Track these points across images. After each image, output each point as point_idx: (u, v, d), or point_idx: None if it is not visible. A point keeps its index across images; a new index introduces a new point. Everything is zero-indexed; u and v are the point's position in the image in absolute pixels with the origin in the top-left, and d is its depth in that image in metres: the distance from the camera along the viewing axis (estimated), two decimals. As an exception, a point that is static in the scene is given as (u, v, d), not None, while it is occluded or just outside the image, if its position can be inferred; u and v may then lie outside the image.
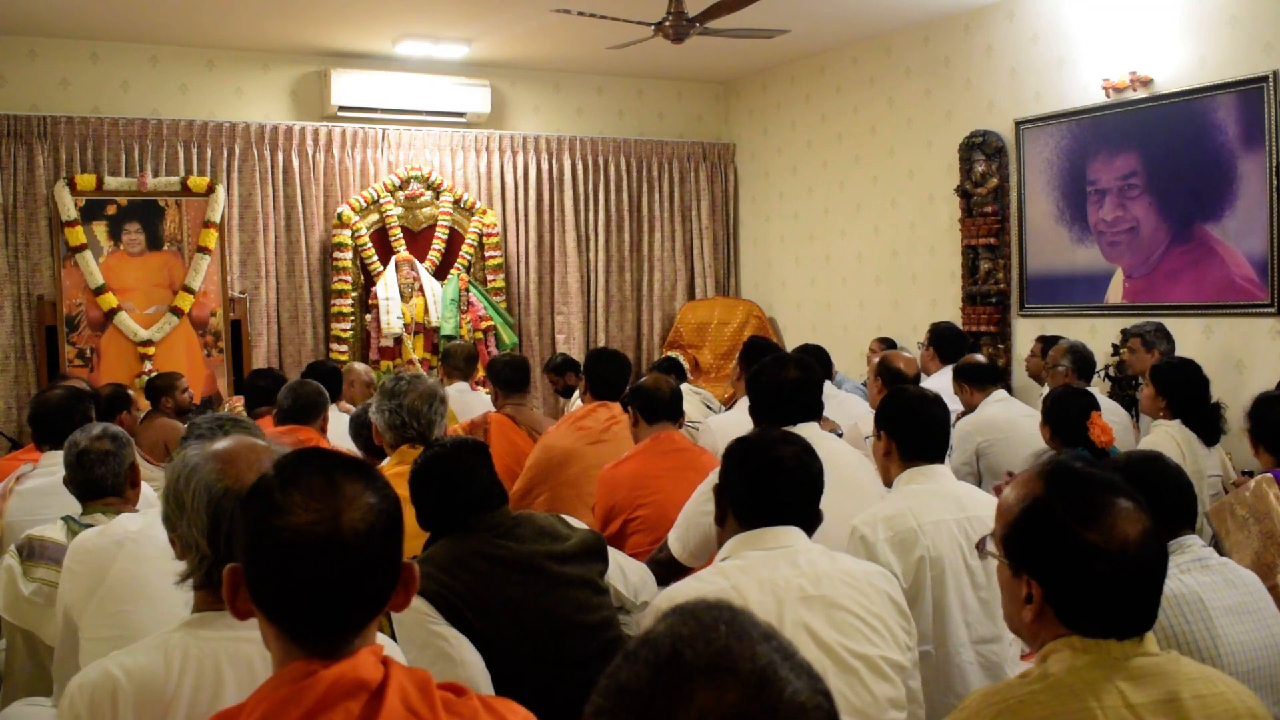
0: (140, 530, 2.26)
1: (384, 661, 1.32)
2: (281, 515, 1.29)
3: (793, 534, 2.14)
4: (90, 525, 2.58)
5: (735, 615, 0.87)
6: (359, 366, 6.51)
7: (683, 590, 2.06)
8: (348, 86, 7.37)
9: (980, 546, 1.68)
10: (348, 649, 1.31)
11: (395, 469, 3.19)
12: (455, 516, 2.44)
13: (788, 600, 2.02)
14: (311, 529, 1.28)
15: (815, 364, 3.45)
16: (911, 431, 2.71)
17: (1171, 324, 5.31)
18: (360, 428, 4.01)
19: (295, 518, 1.28)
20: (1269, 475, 3.06)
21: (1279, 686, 2.11)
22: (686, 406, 3.98)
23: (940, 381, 5.05)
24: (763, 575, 2.05)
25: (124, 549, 2.21)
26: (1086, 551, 1.49)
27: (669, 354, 7.63)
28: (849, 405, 4.75)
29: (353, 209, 7.45)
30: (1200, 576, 2.17)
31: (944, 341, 5.76)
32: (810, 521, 2.19)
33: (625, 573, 2.71)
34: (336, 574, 1.29)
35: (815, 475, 2.20)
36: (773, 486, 2.16)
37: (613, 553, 2.68)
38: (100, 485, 2.74)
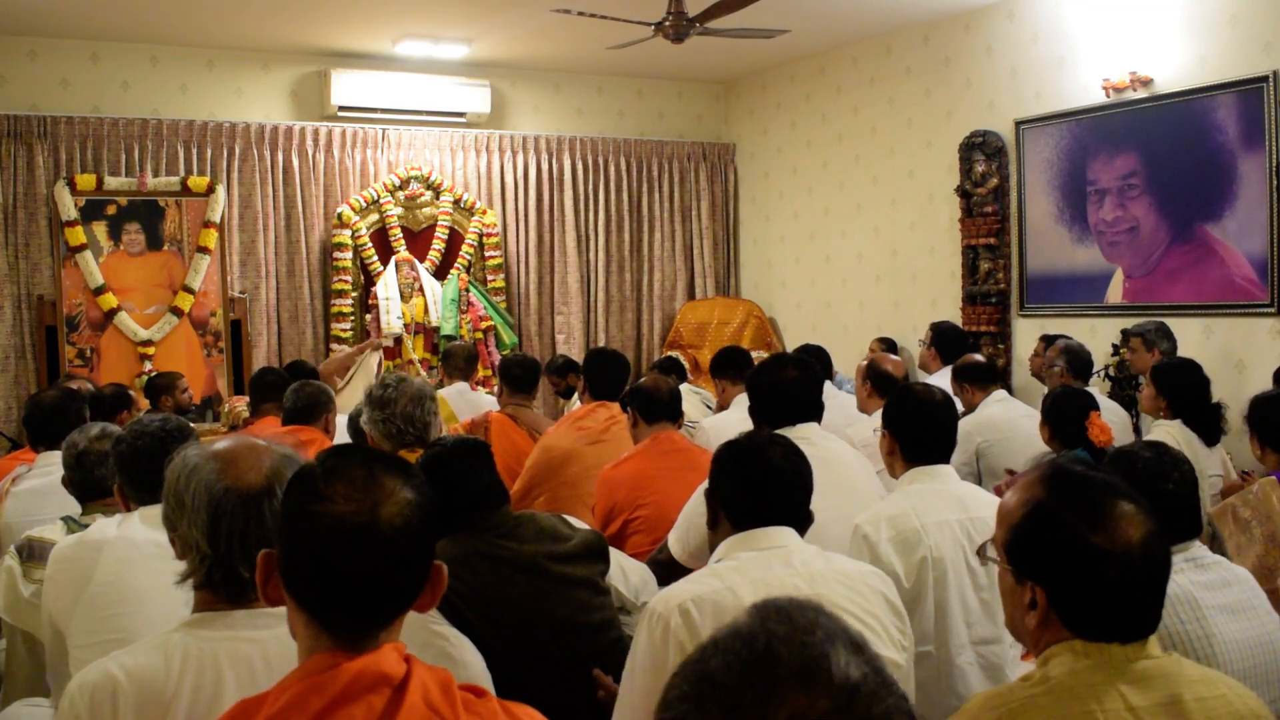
0: (119, 533, 2.23)
1: (407, 658, 1.34)
2: (322, 503, 1.33)
3: (785, 534, 2.14)
4: (86, 525, 2.57)
5: (831, 621, 0.87)
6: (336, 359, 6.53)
7: (677, 592, 2.05)
8: (348, 86, 7.37)
9: (981, 552, 1.67)
10: (373, 643, 1.33)
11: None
12: (456, 516, 2.44)
13: None
14: (350, 518, 1.32)
15: (814, 363, 3.45)
16: (915, 431, 2.70)
17: (1171, 324, 5.31)
18: (358, 430, 3.98)
19: (336, 506, 1.32)
20: (1272, 478, 3.05)
21: (1274, 684, 2.10)
22: (686, 406, 3.98)
23: (939, 382, 5.04)
24: (757, 575, 2.04)
25: (105, 553, 2.19)
26: (1092, 555, 1.48)
27: (669, 354, 7.62)
28: (849, 405, 4.74)
29: (353, 209, 7.45)
30: (1194, 575, 2.17)
31: (946, 341, 5.76)
32: (801, 522, 2.19)
33: (626, 574, 2.71)
34: (371, 564, 1.32)
35: (805, 476, 2.21)
36: (763, 488, 2.16)
37: (614, 553, 2.68)
38: (100, 485, 2.73)
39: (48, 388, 4.20)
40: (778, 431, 2.69)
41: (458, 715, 1.32)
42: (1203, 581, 2.16)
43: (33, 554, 2.64)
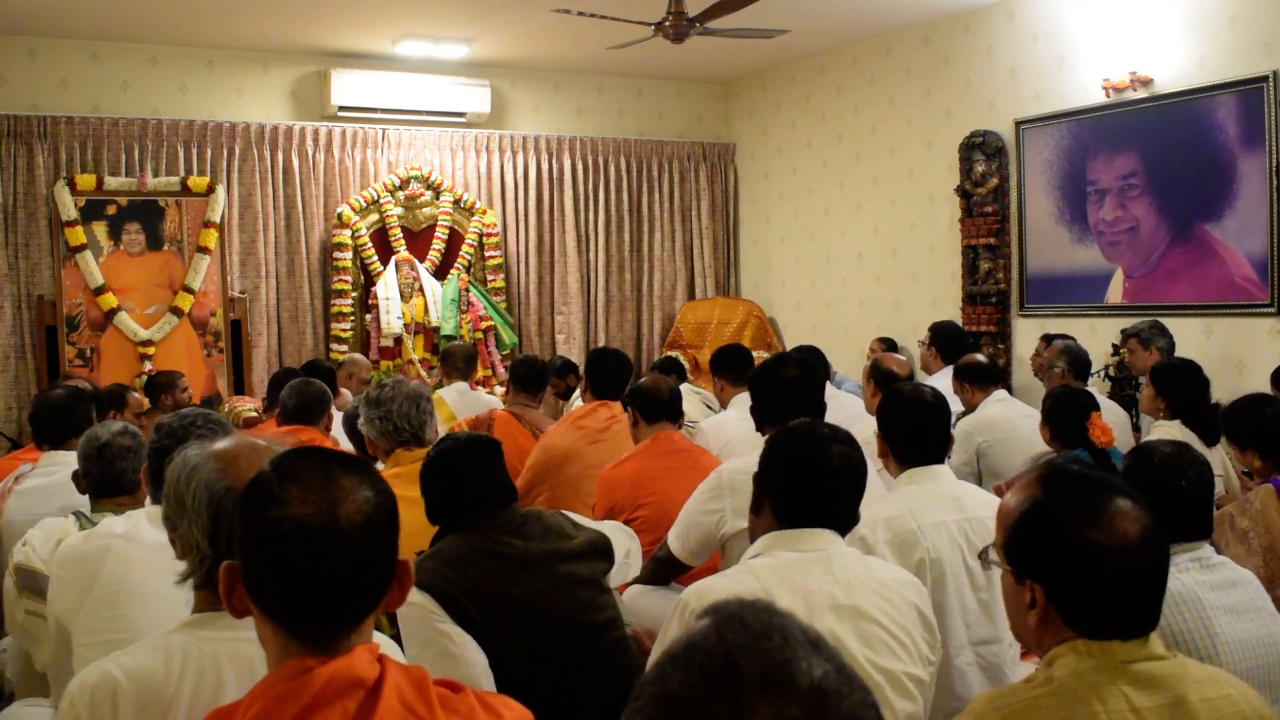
0: (126, 532, 2.23)
1: (380, 659, 1.33)
2: (279, 507, 1.30)
3: (828, 537, 2.10)
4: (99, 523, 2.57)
5: (784, 622, 0.86)
6: (361, 360, 6.46)
7: (713, 589, 2.02)
8: (348, 86, 7.37)
9: (983, 556, 1.67)
10: (344, 646, 1.32)
11: (391, 471, 3.19)
12: (464, 512, 2.45)
13: (817, 608, 1.98)
14: (309, 520, 1.30)
15: (815, 363, 3.45)
16: (906, 433, 2.70)
17: (1171, 324, 5.31)
18: (355, 430, 3.98)
19: (293, 509, 1.30)
20: (1270, 487, 3.03)
21: (1278, 684, 2.10)
22: (686, 406, 3.98)
23: (941, 382, 5.04)
24: (795, 580, 2.01)
25: (111, 553, 2.18)
26: (1089, 551, 1.49)
27: (669, 354, 7.62)
28: (849, 405, 4.73)
29: (353, 209, 7.45)
30: (1199, 575, 2.17)
31: (946, 341, 5.76)
32: (848, 523, 2.15)
33: (615, 545, 2.73)
34: (333, 565, 1.30)
35: (861, 477, 2.16)
36: (817, 488, 2.11)
37: (607, 524, 2.68)
38: (119, 480, 2.72)
39: (54, 385, 4.13)
40: None
41: (434, 714, 1.31)
42: (1207, 581, 2.16)
43: (23, 584, 2.64)
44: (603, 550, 2.55)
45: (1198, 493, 2.30)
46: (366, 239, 7.51)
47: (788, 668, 0.82)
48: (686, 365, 7.04)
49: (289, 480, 1.33)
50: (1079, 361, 4.84)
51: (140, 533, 2.21)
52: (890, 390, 2.86)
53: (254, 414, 5.42)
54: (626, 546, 2.77)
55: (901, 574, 2.18)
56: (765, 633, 0.84)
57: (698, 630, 0.86)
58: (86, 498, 2.80)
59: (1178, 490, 2.27)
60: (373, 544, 1.33)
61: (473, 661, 2.11)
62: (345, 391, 5.61)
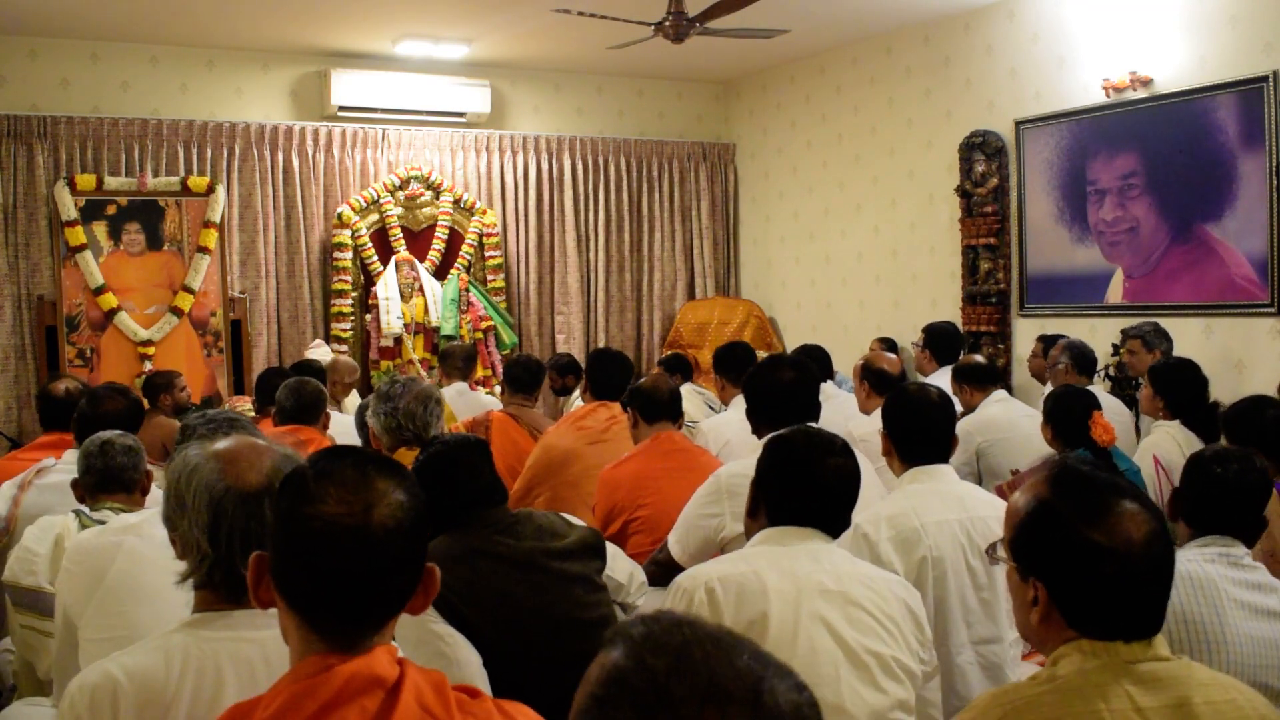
0: (137, 528, 2.25)
1: (400, 661, 1.34)
2: (314, 504, 1.32)
3: (818, 538, 2.18)
4: (102, 521, 2.58)
5: (695, 628, 0.85)
6: (343, 364, 6.20)
7: (705, 570, 2.11)
8: (348, 86, 7.37)
9: (990, 551, 1.68)
10: (365, 645, 1.33)
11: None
12: (455, 513, 2.45)
13: (806, 590, 2.04)
14: (342, 520, 1.32)
15: (811, 364, 3.45)
16: (909, 433, 2.71)
17: (1171, 324, 5.31)
18: (364, 420, 3.97)
19: (327, 508, 1.32)
20: (1273, 491, 3.04)
21: (1276, 683, 2.10)
22: (689, 406, 3.98)
23: (939, 382, 5.03)
24: (785, 564, 2.08)
25: (123, 548, 2.20)
26: (1091, 552, 1.49)
27: (674, 352, 7.61)
28: (849, 404, 4.73)
29: (353, 209, 7.45)
30: (1223, 569, 2.19)
31: (939, 342, 5.75)
32: (840, 528, 2.23)
33: (619, 567, 2.73)
34: (362, 566, 1.32)
35: (855, 485, 2.23)
36: (811, 500, 2.18)
37: (611, 548, 2.69)
38: (120, 476, 2.73)
39: (110, 389, 3.90)
40: None
41: (452, 716, 1.32)
42: (1232, 577, 2.18)
43: (19, 601, 2.65)
44: (595, 548, 2.55)
45: (1232, 485, 2.33)
46: (366, 239, 7.51)
47: (717, 678, 0.81)
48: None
49: (326, 479, 1.34)
50: (1083, 358, 4.84)
51: (152, 529, 2.22)
52: (896, 390, 2.88)
53: (255, 414, 5.41)
54: (629, 570, 2.77)
55: (891, 575, 2.24)
56: (684, 648, 0.83)
57: (613, 663, 0.84)
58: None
59: (1211, 475, 2.33)
60: (402, 547, 1.34)
61: (466, 661, 2.11)
62: (355, 395, 5.57)
